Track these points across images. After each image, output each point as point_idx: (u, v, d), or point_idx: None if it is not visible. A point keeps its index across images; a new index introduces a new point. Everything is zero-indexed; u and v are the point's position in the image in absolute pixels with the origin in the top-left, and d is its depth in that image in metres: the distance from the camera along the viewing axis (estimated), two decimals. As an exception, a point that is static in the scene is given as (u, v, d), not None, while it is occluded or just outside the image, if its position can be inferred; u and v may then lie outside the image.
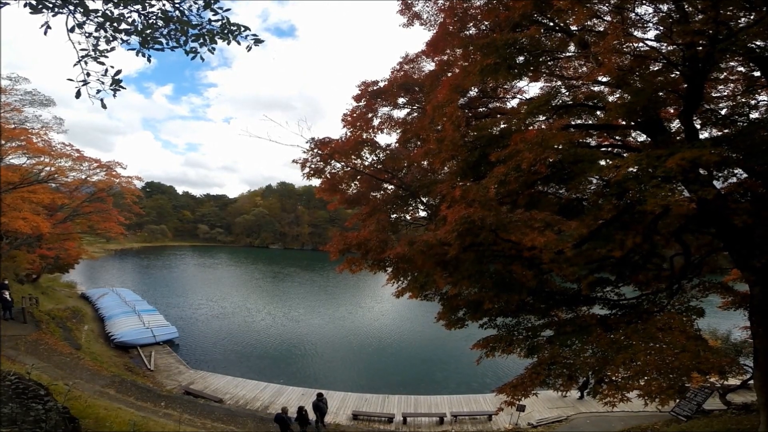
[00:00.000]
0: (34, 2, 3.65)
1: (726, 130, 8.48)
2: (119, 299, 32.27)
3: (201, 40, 4.62)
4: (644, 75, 7.36)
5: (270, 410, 17.08)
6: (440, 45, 9.68)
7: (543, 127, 8.25)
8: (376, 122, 11.66)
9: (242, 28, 4.60)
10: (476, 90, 10.04)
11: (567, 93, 8.54)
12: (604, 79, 7.77)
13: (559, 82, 8.94)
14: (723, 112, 8.69)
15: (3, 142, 23.07)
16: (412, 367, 25.34)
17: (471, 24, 9.02)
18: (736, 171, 8.25)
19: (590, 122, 8.81)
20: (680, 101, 7.84)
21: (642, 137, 9.44)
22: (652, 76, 7.40)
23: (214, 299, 41.55)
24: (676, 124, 8.95)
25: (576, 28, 7.88)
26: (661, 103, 7.87)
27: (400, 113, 12.20)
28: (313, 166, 9.64)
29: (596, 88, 8.45)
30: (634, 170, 6.74)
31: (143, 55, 4.45)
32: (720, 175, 8.28)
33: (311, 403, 15.59)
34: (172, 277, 57.59)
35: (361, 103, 11.76)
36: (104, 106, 4.37)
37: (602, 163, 8.03)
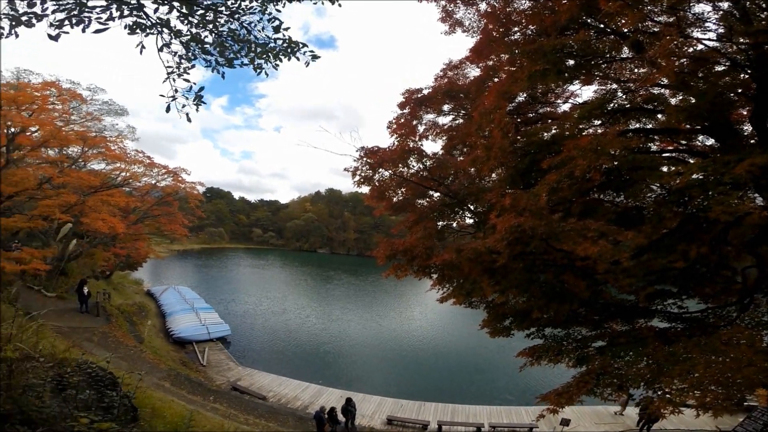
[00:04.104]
0: (132, 24, 4.20)
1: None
2: (180, 297, 34.33)
3: (265, 57, 5.02)
4: (708, 77, 6.90)
5: (309, 410, 17.57)
6: (484, 51, 9.60)
7: (598, 132, 7.96)
8: (420, 129, 11.78)
9: (300, 45, 4.96)
10: (525, 95, 9.86)
11: (624, 96, 8.17)
12: (664, 82, 7.37)
13: (615, 85, 8.57)
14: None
15: (86, 149, 25.70)
16: (451, 374, 25.02)
17: (515, 29, 8.88)
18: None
19: (651, 127, 8.36)
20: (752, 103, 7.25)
21: (710, 141, 8.79)
22: (716, 78, 6.92)
23: (264, 299, 43.47)
24: (749, 128, 8.26)
25: (627, 31, 7.56)
26: (730, 105, 7.31)
27: (444, 120, 12.23)
28: (362, 174, 9.91)
29: (656, 91, 8.02)
30: (699, 177, 6.33)
31: (217, 72, 4.92)
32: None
33: (341, 407, 15.97)
34: (228, 277, 60.92)
35: (405, 111, 11.90)
36: (189, 120, 4.75)
37: (664, 169, 7.60)
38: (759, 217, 6.58)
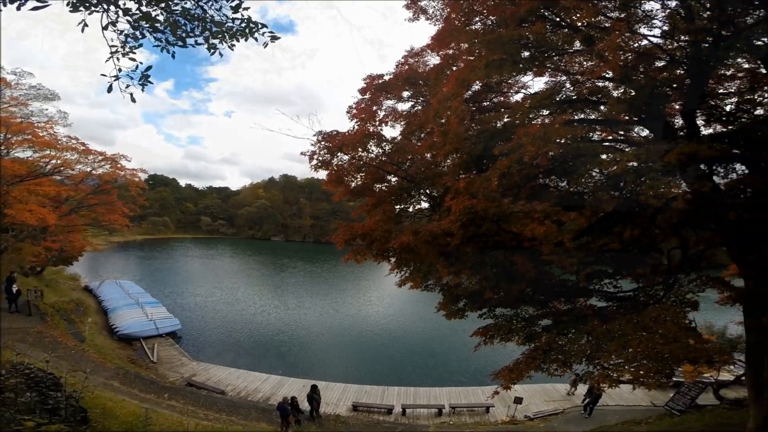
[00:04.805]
0: (75, 1, 3.81)
1: (730, 127, 8.59)
2: (122, 291, 32.49)
3: (221, 36, 4.75)
4: (648, 71, 7.50)
5: (271, 401, 17.37)
6: (446, 39, 9.76)
7: (546, 121, 8.40)
8: (380, 114, 11.80)
9: (259, 26, 4.75)
10: (480, 84, 10.16)
11: (571, 88, 8.67)
12: (609, 75, 7.91)
13: (564, 77, 9.06)
14: (728, 108, 8.78)
15: (9, 135, 23.20)
16: (410, 358, 25.70)
17: (477, 19, 9.11)
18: (736, 167, 8.37)
19: (593, 117, 8.95)
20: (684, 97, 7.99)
21: (645, 132, 9.58)
22: (655, 73, 7.54)
23: (216, 290, 42.04)
24: (680, 121, 9.09)
25: (581, 25, 8.01)
26: (664, 99, 8.00)
27: (404, 106, 12.35)
28: (320, 158, 9.78)
29: (600, 84, 8.58)
30: (635, 164, 6.91)
31: (167, 51, 4.59)
32: (719, 170, 8.42)
33: (306, 395, 15.91)
34: (175, 269, 58.17)
35: (366, 96, 11.88)
36: (134, 100, 4.50)
37: (604, 157, 8.18)
38: (683, 201, 7.34)
